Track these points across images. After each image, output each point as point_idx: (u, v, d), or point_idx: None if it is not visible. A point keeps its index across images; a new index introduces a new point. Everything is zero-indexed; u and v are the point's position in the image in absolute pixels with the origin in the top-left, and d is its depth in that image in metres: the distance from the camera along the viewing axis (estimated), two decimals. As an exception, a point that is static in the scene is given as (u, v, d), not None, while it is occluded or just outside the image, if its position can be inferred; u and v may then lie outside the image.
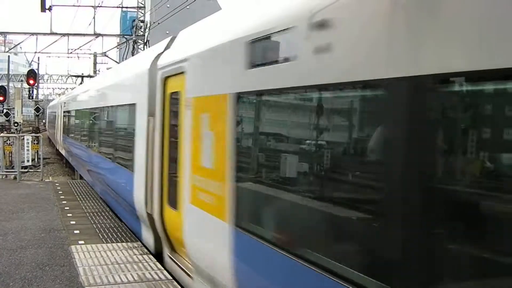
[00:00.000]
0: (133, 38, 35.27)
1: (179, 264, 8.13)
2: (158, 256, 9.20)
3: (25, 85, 42.33)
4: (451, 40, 3.03)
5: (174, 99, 8.11)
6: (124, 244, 10.12)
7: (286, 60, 4.59)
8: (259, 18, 5.38)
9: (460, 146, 3.23)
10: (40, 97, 70.76)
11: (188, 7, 27.03)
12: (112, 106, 14.02)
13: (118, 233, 11.06)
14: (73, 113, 25.15)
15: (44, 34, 36.56)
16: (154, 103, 9.01)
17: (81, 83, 48.15)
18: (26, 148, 24.76)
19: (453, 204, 3.19)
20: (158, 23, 32.39)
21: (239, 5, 6.70)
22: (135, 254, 9.35)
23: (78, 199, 15.57)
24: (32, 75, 34.64)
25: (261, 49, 5.18)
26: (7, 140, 25.61)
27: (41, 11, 33.25)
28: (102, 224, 11.94)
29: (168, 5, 31.87)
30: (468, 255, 3.14)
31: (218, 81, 6.25)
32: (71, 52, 42.18)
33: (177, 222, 7.62)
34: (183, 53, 7.65)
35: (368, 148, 3.87)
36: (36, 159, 29.08)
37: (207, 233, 6.43)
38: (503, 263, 2.97)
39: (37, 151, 28.26)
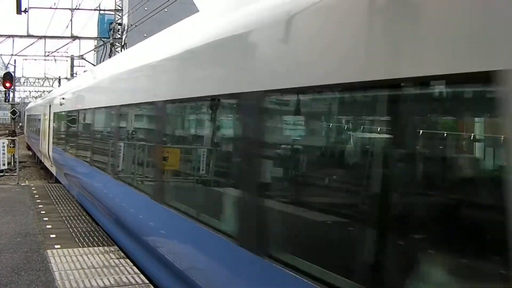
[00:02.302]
0: (111, 41, 35.15)
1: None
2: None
3: (1, 88, 41.95)
4: None
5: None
6: (100, 248, 10.08)
7: None
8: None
9: None
10: (17, 100, 70.06)
11: (165, 9, 27.00)
12: None
13: (95, 237, 11.01)
14: None
15: (21, 36, 36.36)
16: None
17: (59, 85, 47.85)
18: (1, 151, 24.51)
19: None
20: (136, 26, 32.31)
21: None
22: (112, 258, 9.31)
23: (54, 202, 15.46)
24: (8, 77, 34.34)
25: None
26: (-18, 144, 25.33)
27: (17, 13, 32.95)
28: (79, 228, 11.88)
29: (146, 8, 31.80)
30: None
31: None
32: (48, 55, 41.99)
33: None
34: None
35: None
36: (12, 163, 28.80)
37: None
38: None
39: (13, 154, 28.00)
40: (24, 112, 55.06)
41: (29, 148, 47.73)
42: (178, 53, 7.38)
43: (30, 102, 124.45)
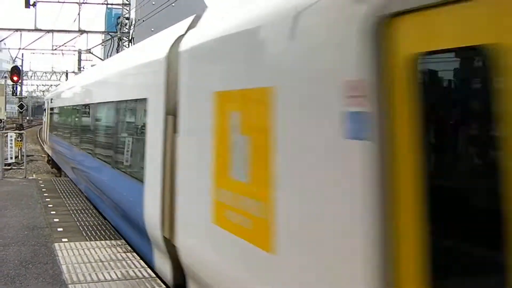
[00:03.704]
0: (118, 35, 35.14)
1: None
2: None
3: (9, 82, 42.04)
4: None
5: None
6: (107, 241, 10.11)
7: None
8: None
9: None
10: (24, 93, 70.29)
11: (173, 4, 27.00)
12: None
13: (102, 231, 11.04)
14: None
15: (29, 30, 36.43)
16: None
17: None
18: (9, 145, 24.62)
19: None
20: (143, 20, 32.32)
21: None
22: (119, 252, 9.34)
23: (62, 196, 15.51)
24: (16, 71, 34.35)
25: None
26: (-10, 137, 25.43)
27: (25, 7, 33.07)
28: (86, 222, 11.91)
29: (153, 2, 31.85)
30: None
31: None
32: (55, 49, 42.03)
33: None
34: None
35: None
36: (19, 156, 28.90)
37: None
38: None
39: (21, 148, 28.10)
40: (45, 103, 31.61)
41: (55, 166, 27.55)
42: None
43: (37, 96, 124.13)
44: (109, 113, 12.31)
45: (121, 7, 37.36)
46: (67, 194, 16.03)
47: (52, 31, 37.67)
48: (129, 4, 36.55)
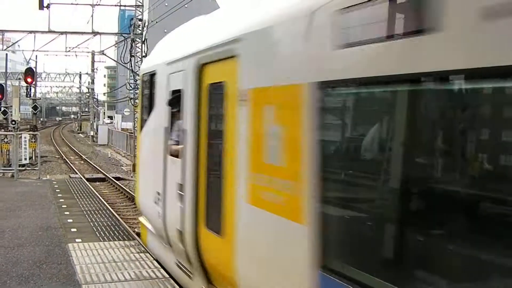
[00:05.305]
0: (131, 37, 35.23)
1: None
2: None
3: (23, 83, 42.28)
4: None
5: None
6: (121, 242, 10.14)
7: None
8: None
9: None
10: (38, 95, 70.75)
11: (186, 6, 27.05)
12: None
13: (115, 231, 11.07)
14: None
15: (42, 32, 36.55)
16: None
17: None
18: (23, 146, 24.76)
19: None
20: (156, 22, 32.41)
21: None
22: (132, 253, 9.37)
23: (75, 197, 15.58)
24: (29, 73, 34.48)
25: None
26: (4, 138, 25.58)
27: (39, 8, 33.20)
28: (99, 222, 11.96)
29: (166, 4, 31.93)
30: None
31: None
32: (69, 51, 42.17)
33: None
34: None
35: None
36: (33, 157, 29.06)
37: None
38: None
39: (35, 149, 28.27)
40: (144, 82, 9.87)
41: None
42: None
43: (50, 97, 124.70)
44: None
45: (134, 8, 37.47)
46: (80, 194, 16.10)
47: (66, 33, 37.77)
48: (142, 5, 36.65)
